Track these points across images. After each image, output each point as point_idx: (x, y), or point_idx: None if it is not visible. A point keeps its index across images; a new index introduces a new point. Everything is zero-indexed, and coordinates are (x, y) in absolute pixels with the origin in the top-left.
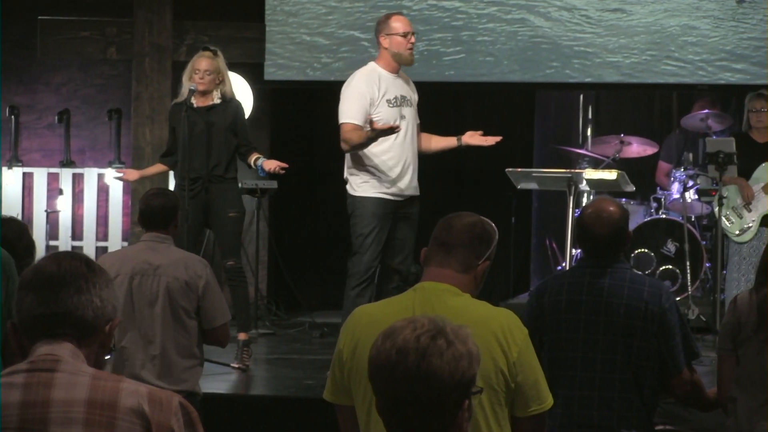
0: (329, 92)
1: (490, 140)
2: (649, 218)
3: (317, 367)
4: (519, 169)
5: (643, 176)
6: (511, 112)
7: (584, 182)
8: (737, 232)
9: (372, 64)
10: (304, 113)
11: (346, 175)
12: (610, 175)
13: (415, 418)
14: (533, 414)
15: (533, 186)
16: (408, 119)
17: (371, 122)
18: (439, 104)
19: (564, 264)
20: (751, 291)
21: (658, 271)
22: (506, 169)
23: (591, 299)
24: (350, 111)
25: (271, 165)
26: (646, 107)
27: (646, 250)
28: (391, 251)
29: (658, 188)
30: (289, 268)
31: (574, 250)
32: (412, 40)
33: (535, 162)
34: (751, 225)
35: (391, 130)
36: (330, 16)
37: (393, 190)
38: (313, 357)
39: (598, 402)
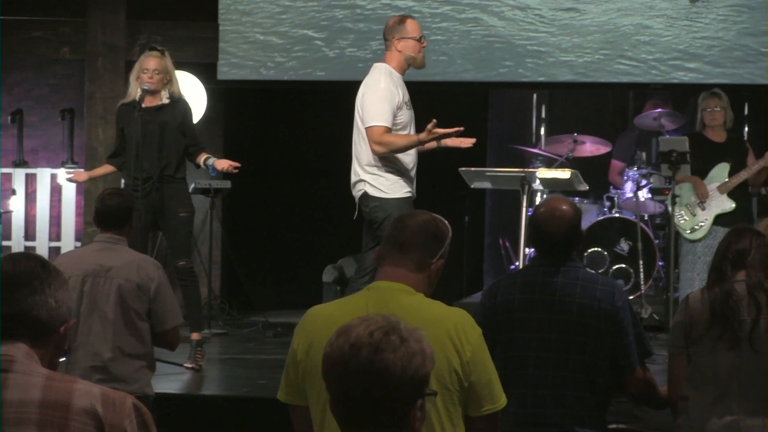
0: (283, 91)
1: (467, 142)
2: (602, 217)
3: (271, 366)
4: (473, 169)
5: (596, 175)
6: (464, 112)
7: (538, 181)
8: (689, 230)
9: (386, 66)
10: (258, 113)
11: (363, 176)
12: (564, 174)
13: (368, 416)
14: (486, 413)
15: (487, 185)
16: (414, 122)
17: (432, 125)
18: None
19: (517, 263)
20: (703, 290)
21: (611, 270)
22: (460, 169)
23: (544, 298)
24: (383, 113)
25: (224, 164)
26: (599, 106)
27: (600, 249)
28: None
29: (612, 187)
30: (242, 268)
31: (527, 249)
32: (425, 43)
33: (489, 161)
34: (703, 223)
35: (451, 135)
36: (284, 15)
37: (412, 189)
38: (266, 357)
39: (551, 400)
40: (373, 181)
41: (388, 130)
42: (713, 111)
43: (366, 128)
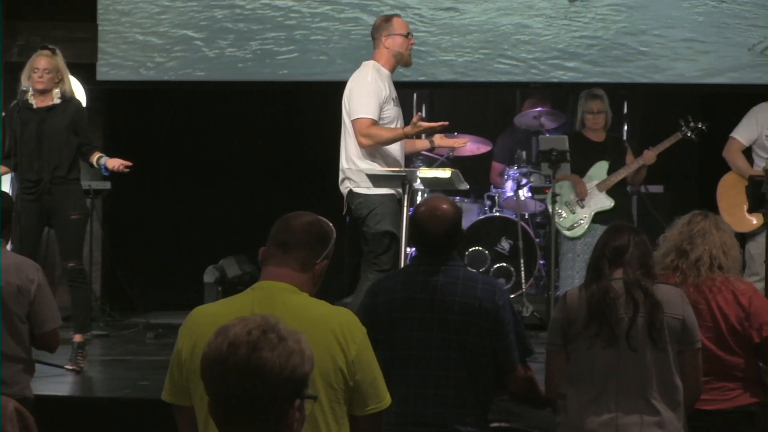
0: (163, 92)
1: (460, 142)
2: (483, 216)
3: (152, 368)
4: (354, 168)
5: (477, 174)
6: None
7: (418, 181)
8: (568, 228)
9: (374, 63)
10: (138, 113)
11: (348, 174)
12: (444, 173)
13: (246, 415)
14: (371, 412)
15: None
16: (402, 119)
17: (417, 118)
18: (272, 104)
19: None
20: (581, 287)
21: (492, 269)
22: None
23: (425, 297)
24: (369, 106)
25: (115, 163)
26: (480, 106)
27: (480, 248)
28: None
29: (492, 186)
30: (123, 269)
31: (408, 249)
32: (412, 40)
33: None
34: (582, 221)
35: (438, 129)
36: (163, 15)
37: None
38: (147, 358)
39: (433, 400)
40: (357, 178)
41: (374, 122)
42: (596, 114)
43: (352, 121)
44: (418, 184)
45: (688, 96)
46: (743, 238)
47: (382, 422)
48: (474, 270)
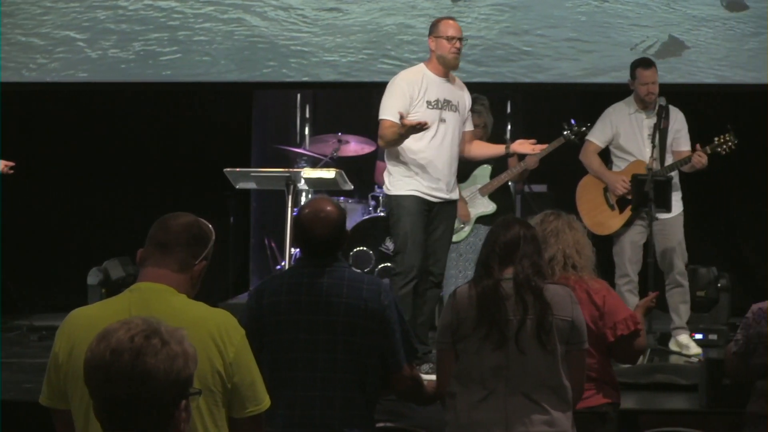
0: (46, 93)
1: (538, 148)
2: (367, 216)
3: (36, 370)
4: (237, 169)
5: (361, 174)
6: (228, 112)
7: (303, 181)
8: None
9: (421, 65)
10: (21, 114)
11: (384, 175)
12: (328, 174)
13: (132, 419)
14: (250, 415)
15: (252, 186)
16: (449, 123)
17: (401, 118)
18: (156, 105)
19: (283, 263)
20: (470, 284)
21: (377, 269)
22: (224, 169)
23: (311, 299)
24: (390, 108)
25: None
26: (363, 106)
27: (365, 248)
28: (424, 252)
29: (376, 186)
30: (6, 271)
31: (293, 249)
32: (458, 44)
33: (254, 161)
34: (464, 226)
35: (419, 128)
36: (45, 16)
37: (426, 189)
38: (32, 360)
39: (320, 402)
40: (387, 178)
41: (393, 124)
42: (475, 128)
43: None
44: (302, 185)
45: (571, 95)
46: (608, 241)
47: (262, 424)
48: (359, 270)
